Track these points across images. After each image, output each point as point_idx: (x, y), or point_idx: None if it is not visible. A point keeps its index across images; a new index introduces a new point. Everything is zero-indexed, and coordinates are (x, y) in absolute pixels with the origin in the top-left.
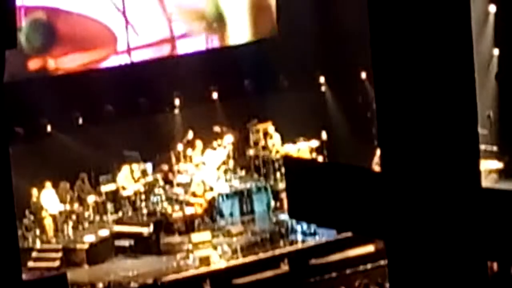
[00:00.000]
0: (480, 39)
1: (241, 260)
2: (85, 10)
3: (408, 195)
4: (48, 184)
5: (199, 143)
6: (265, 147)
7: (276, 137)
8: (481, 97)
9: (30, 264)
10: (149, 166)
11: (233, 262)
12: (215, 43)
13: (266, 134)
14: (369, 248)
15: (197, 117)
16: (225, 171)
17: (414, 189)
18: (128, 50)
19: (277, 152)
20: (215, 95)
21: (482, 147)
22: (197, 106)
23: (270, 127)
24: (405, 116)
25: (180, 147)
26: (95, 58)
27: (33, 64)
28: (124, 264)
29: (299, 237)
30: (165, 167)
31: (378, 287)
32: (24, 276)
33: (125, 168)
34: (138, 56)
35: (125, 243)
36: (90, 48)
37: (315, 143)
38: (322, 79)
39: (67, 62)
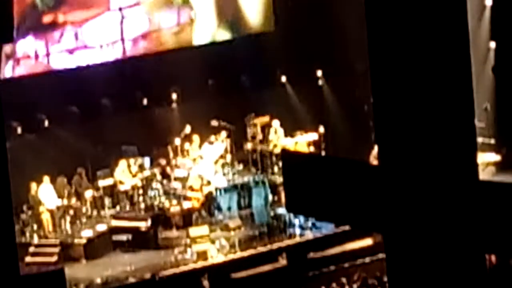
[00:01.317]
0: (476, 32)
1: (239, 254)
2: None
3: (406, 188)
4: (45, 179)
5: (196, 137)
6: (262, 141)
7: (281, 132)
8: (478, 90)
9: (28, 259)
10: (146, 161)
11: (231, 256)
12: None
13: (264, 127)
14: (368, 242)
15: (194, 111)
16: (223, 165)
17: (412, 182)
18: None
19: (275, 146)
20: (212, 89)
21: (479, 140)
22: (195, 100)
23: (275, 121)
24: (402, 109)
25: (177, 141)
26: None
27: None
28: (122, 258)
29: (297, 231)
30: (163, 161)
31: (377, 280)
32: (21, 271)
33: (123, 163)
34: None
35: (123, 237)
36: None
37: (312, 136)
38: (319, 73)
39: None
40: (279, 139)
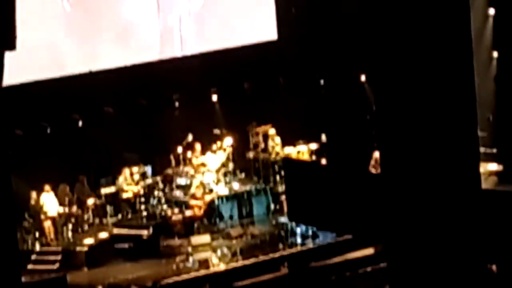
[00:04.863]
0: (479, 42)
1: (240, 262)
2: None
3: (408, 197)
4: (47, 187)
5: (198, 146)
6: (264, 150)
7: (277, 140)
8: (480, 99)
9: (30, 266)
10: (148, 169)
11: (233, 265)
12: None
13: (266, 136)
14: (369, 251)
15: (197, 120)
16: (225, 174)
17: (414, 191)
18: None
19: (277, 154)
20: (215, 98)
21: (482, 149)
22: (197, 108)
23: (271, 130)
24: (405, 118)
25: (179, 149)
26: None
27: None
28: (123, 266)
29: (299, 239)
30: (166, 170)
31: None
32: (23, 279)
33: (125, 171)
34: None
35: (125, 245)
36: None
37: (314, 145)
38: (321, 82)
39: None
40: (276, 147)
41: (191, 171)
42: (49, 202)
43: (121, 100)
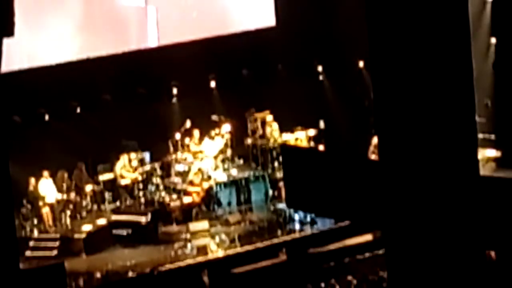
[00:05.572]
0: (477, 28)
1: (239, 249)
2: None
3: (406, 183)
4: (45, 173)
5: (197, 132)
6: (263, 136)
7: (275, 126)
8: (478, 85)
9: (28, 253)
10: (147, 155)
11: (231, 251)
12: None
13: (264, 123)
14: (367, 237)
15: (195, 106)
16: (223, 160)
17: (412, 177)
18: None
19: (275, 141)
20: (213, 84)
21: (480, 135)
22: (195, 95)
23: (269, 116)
24: (402, 104)
25: (178, 136)
26: None
27: None
28: (121, 253)
29: (297, 226)
30: (164, 156)
31: (376, 276)
32: (21, 265)
33: (123, 157)
34: None
35: (123, 232)
36: None
37: (313, 132)
38: (320, 68)
39: None
40: (273, 133)
41: (189, 158)
42: (48, 189)
43: (119, 86)
